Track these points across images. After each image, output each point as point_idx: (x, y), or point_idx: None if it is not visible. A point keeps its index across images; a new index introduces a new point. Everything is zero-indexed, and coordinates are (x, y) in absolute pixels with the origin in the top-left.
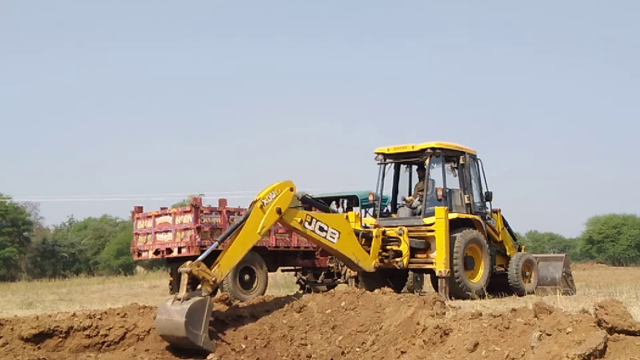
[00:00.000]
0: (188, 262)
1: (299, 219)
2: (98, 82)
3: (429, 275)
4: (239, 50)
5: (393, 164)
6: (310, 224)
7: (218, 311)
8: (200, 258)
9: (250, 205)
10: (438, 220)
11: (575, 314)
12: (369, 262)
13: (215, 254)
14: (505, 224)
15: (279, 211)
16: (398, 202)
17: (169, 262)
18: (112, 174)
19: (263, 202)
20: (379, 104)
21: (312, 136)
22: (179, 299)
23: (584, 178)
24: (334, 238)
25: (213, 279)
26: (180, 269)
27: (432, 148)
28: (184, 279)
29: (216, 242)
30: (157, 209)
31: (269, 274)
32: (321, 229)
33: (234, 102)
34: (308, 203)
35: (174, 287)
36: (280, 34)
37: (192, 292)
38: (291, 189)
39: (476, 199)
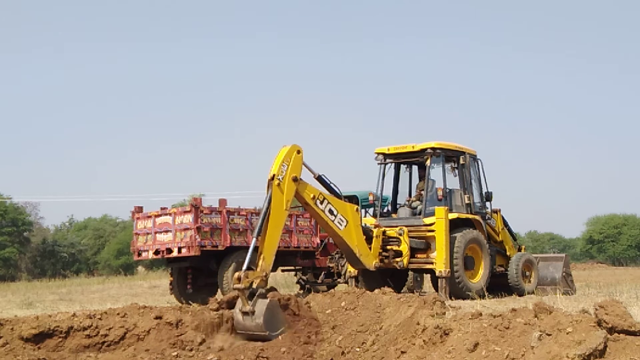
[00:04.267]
0: (236, 276)
1: (311, 195)
2: (98, 81)
3: (429, 275)
4: (239, 49)
5: (393, 164)
6: (322, 203)
7: None
8: (245, 267)
9: (268, 186)
10: (438, 220)
11: (575, 314)
12: (371, 260)
13: (214, 253)
14: (505, 224)
15: (295, 179)
16: (398, 202)
17: (169, 262)
18: (112, 174)
19: (279, 179)
20: (379, 103)
21: (312, 136)
22: (247, 313)
23: (584, 178)
24: (341, 225)
25: (264, 274)
26: (235, 287)
27: (432, 148)
28: (242, 295)
29: (254, 239)
30: (157, 209)
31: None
32: (331, 212)
33: (234, 101)
34: (323, 184)
35: (174, 287)
36: (282, 33)
37: (254, 301)
38: (298, 152)
39: (476, 199)
